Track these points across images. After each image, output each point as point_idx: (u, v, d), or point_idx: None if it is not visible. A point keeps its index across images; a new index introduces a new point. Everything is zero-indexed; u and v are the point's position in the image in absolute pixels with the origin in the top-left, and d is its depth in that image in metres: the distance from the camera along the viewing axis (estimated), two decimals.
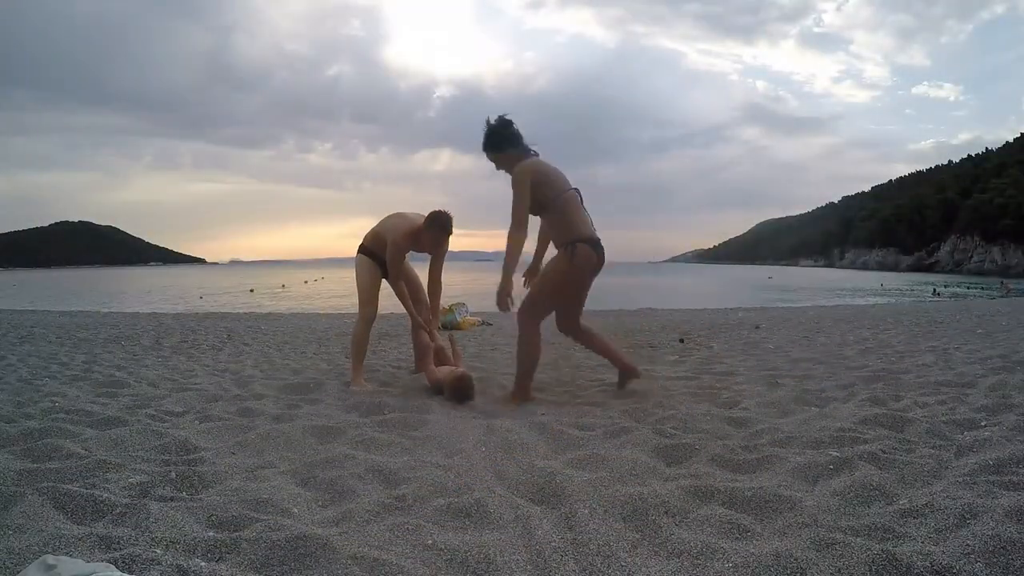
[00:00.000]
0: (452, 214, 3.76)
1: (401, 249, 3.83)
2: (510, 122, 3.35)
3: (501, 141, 3.33)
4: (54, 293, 33.08)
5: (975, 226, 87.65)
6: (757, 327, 8.79)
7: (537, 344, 3.37)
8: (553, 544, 1.63)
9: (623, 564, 1.54)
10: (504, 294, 3.25)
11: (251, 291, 32.76)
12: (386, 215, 4.06)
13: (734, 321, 10.19)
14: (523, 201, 3.19)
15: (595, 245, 3.29)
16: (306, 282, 44.60)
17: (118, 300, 26.00)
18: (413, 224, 3.83)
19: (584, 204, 3.38)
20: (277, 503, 1.88)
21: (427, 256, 3.99)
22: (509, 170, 3.29)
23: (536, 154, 3.37)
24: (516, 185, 3.20)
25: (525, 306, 3.35)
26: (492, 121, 3.34)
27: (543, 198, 3.25)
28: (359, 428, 2.79)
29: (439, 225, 3.74)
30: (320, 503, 1.94)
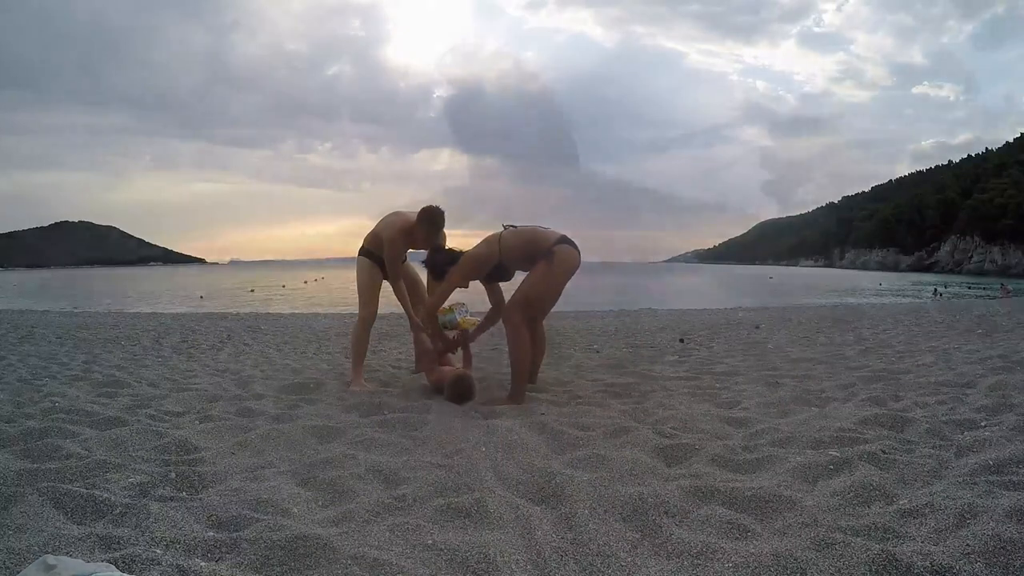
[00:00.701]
0: (443, 209, 3.77)
1: (396, 247, 3.82)
2: (437, 249, 3.75)
3: (443, 266, 3.70)
4: (54, 293, 33.07)
5: (975, 226, 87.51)
6: (757, 327, 8.80)
7: (528, 343, 3.43)
8: (553, 544, 1.63)
9: (623, 564, 1.54)
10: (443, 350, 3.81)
11: (251, 291, 32.76)
12: (385, 215, 4.06)
13: (734, 321, 10.19)
14: (450, 288, 3.59)
15: (570, 243, 3.42)
16: (306, 282, 44.58)
17: (118, 300, 26.00)
18: (408, 221, 3.82)
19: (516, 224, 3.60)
20: (277, 503, 1.88)
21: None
22: None
23: (460, 252, 3.68)
24: (448, 284, 3.58)
25: (516, 309, 3.38)
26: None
27: (498, 265, 3.52)
28: (359, 428, 2.79)
29: (429, 220, 3.74)
30: (320, 503, 1.94)
